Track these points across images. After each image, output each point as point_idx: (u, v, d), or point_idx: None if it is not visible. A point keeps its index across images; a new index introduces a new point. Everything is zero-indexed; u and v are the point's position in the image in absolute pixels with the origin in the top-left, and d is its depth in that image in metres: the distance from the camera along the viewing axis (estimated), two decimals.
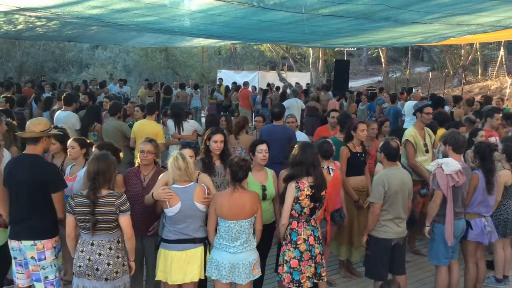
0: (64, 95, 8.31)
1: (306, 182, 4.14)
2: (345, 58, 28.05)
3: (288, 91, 15.97)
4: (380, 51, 31.87)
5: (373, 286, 4.87)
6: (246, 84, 16.78)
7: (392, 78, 31.33)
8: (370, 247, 4.75)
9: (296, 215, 4.16)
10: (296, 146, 4.37)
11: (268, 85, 18.96)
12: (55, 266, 4.20)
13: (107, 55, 30.27)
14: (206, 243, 4.24)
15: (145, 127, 7.17)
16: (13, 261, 4.24)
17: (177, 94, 15.85)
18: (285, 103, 13.25)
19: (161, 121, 8.70)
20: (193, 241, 4.13)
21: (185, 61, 30.08)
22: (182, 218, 4.08)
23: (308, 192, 4.11)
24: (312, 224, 4.24)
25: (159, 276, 4.19)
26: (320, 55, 28.49)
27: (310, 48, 26.53)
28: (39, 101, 10.42)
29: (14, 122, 6.26)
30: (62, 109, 7.99)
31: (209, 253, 4.22)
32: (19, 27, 12.65)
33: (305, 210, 4.14)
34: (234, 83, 19.07)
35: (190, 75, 28.20)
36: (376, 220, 4.63)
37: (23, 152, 4.34)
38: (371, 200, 4.67)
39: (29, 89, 14.53)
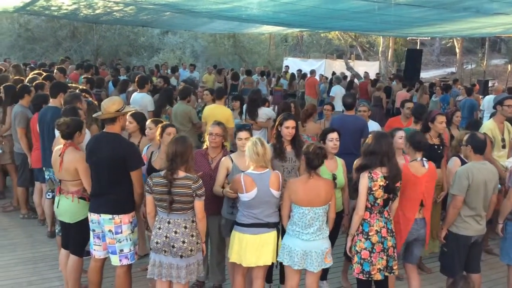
0: (137, 78, 8.62)
1: (379, 173, 4.06)
2: (417, 48, 26.95)
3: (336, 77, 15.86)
4: (455, 41, 30.45)
5: (445, 282, 4.73)
6: (313, 72, 16.61)
7: (466, 69, 29.86)
8: (448, 243, 4.58)
9: (369, 205, 4.10)
10: (370, 135, 4.29)
11: (333, 74, 18.69)
12: (130, 240, 4.36)
13: (177, 41, 30.99)
14: (278, 228, 4.28)
15: (216, 112, 7.30)
16: (91, 233, 4.43)
17: (243, 80, 15.96)
18: (331, 92, 13.38)
19: (231, 106, 8.79)
20: (267, 225, 4.18)
21: (252, 47, 30.25)
22: (257, 203, 4.12)
23: (381, 183, 4.03)
24: (386, 216, 4.16)
25: (233, 258, 4.26)
26: (390, 43, 27.54)
27: (380, 37, 25.74)
28: (116, 83, 10.88)
29: (95, 101, 6.60)
30: (137, 91, 8.30)
31: (281, 238, 4.26)
32: (97, 11, 13.26)
33: (378, 201, 4.07)
34: (299, 70, 18.91)
35: (257, 62, 28.33)
36: (456, 214, 4.46)
37: (104, 131, 4.50)
38: (453, 192, 4.47)
39: (104, 71, 15.21)
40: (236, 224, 4.28)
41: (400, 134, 5.02)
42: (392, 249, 4.16)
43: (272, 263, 4.36)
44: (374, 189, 4.03)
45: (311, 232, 4.05)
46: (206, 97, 8.34)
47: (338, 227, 4.87)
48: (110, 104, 4.35)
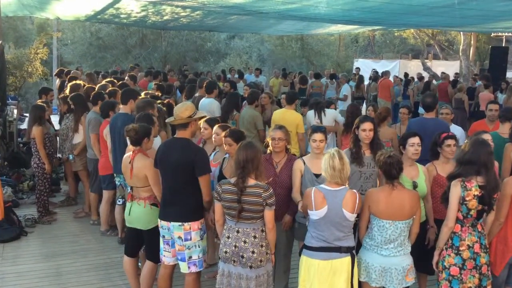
0: (205, 83, 8.60)
1: (474, 181, 3.66)
2: (503, 45, 25.11)
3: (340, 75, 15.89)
4: None
5: None
6: (386, 73, 15.93)
7: None
8: None
9: (461, 217, 3.71)
10: (467, 142, 3.91)
11: (406, 75, 17.86)
12: (199, 247, 4.31)
13: (243, 45, 31.08)
14: (353, 253, 3.84)
15: (286, 116, 7.12)
16: (161, 239, 4.42)
17: (311, 84, 15.62)
18: (344, 91, 13.46)
19: (300, 111, 8.56)
20: (339, 250, 3.75)
21: (320, 50, 29.61)
22: (326, 224, 3.73)
23: (476, 192, 3.63)
24: (479, 229, 3.76)
25: (301, 286, 3.87)
26: (472, 41, 25.75)
27: (461, 34, 24.21)
28: (183, 89, 10.94)
29: (164, 108, 6.59)
30: (205, 97, 8.27)
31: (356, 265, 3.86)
32: (165, 17, 13.53)
33: (471, 212, 3.66)
34: (375, 71, 18.21)
35: (325, 65, 27.75)
36: None
37: (174, 136, 4.51)
38: None
39: (172, 78, 15.43)
40: (304, 248, 3.90)
41: (486, 137, 4.58)
42: (486, 267, 3.74)
43: None
44: (467, 199, 3.64)
45: (391, 247, 3.74)
46: (264, 100, 8.22)
47: (423, 239, 4.38)
48: (183, 109, 4.37)
